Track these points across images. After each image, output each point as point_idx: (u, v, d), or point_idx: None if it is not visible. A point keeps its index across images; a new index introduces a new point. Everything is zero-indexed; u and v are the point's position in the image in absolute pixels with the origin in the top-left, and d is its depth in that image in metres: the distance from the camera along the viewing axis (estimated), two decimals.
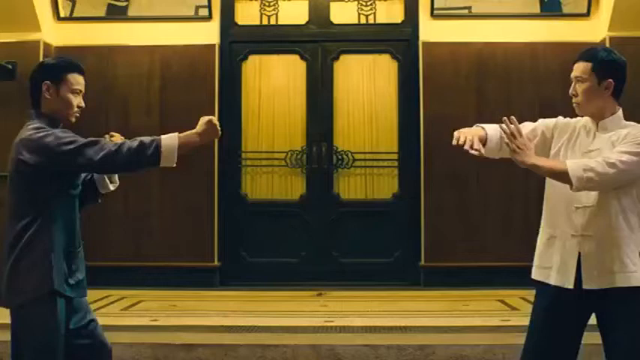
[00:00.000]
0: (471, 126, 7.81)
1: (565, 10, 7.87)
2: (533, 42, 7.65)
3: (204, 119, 3.26)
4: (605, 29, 7.60)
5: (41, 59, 7.74)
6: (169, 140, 3.13)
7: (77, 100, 3.27)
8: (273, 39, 8.15)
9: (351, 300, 7.00)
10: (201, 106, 7.39)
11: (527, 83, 7.58)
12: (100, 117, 7.65)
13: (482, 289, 7.02)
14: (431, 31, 7.87)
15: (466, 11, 7.90)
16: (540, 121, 3.35)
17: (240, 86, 8.10)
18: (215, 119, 3.28)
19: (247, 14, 8.18)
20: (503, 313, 6.14)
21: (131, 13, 8.03)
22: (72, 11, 8.05)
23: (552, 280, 3.14)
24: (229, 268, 7.85)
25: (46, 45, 7.80)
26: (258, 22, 8.18)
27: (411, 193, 7.79)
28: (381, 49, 8.12)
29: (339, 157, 7.98)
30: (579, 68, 3.16)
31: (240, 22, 8.16)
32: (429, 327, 5.63)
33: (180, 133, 3.22)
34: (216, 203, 7.77)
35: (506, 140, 3.09)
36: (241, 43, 8.13)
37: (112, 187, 3.50)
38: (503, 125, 3.09)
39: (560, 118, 3.32)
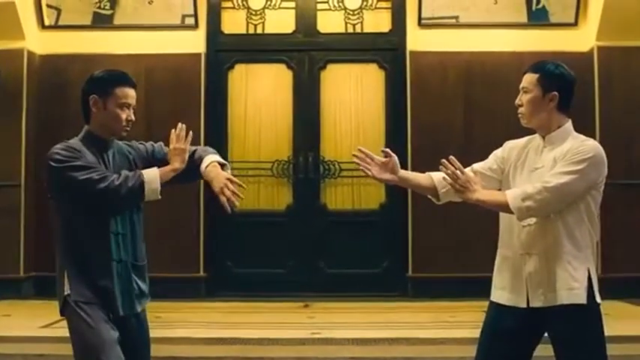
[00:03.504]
0: (458, 134, 7.86)
1: (553, 19, 7.90)
2: (521, 51, 7.62)
3: (173, 137, 3.27)
4: (593, 39, 7.65)
5: (25, 68, 7.74)
6: (151, 172, 3.15)
7: (126, 114, 3.19)
8: (260, 48, 8.15)
9: (338, 311, 6.98)
10: (187, 115, 7.17)
11: (515, 93, 7.40)
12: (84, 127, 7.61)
13: (469, 300, 6.90)
14: (418, 40, 7.89)
15: (454, 21, 7.92)
16: (492, 154, 3.37)
17: (227, 95, 8.10)
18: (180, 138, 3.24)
19: (234, 23, 8.18)
20: None
21: (117, 21, 8.00)
22: (57, 20, 8.02)
23: (505, 300, 3.13)
24: (215, 279, 7.83)
25: (30, 53, 7.81)
26: (244, 31, 8.17)
27: (398, 203, 7.78)
28: (368, 59, 8.14)
29: (326, 166, 7.98)
30: (526, 79, 3.18)
31: (226, 31, 8.17)
32: (416, 339, 5.62)
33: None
34: (202, 213, 7.75)
35: (449, 181, 3.10)
36: (227, 51, 8.13)
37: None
38: (444, 168, 3.10)
39: (509, 142, 3.33)
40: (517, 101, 3.20)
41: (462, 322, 6.31)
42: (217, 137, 7.68)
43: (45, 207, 7.45)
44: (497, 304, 3.17)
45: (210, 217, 7.80)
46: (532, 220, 3.06)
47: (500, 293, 3.17)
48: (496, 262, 3.26)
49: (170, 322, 6.39)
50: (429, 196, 3.36)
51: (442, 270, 7.58)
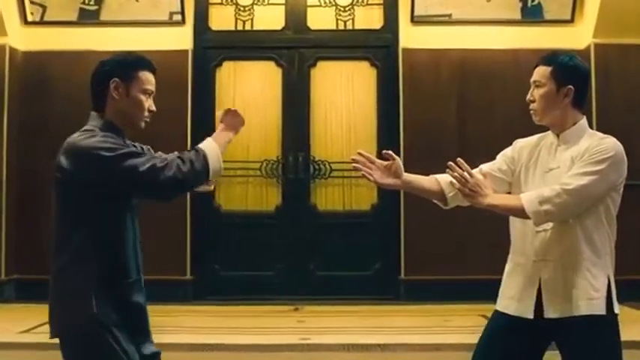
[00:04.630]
0: (452, 133, 7.81)
1: (549, 16, 7.84)
2: (516, 48, 7.59)
3: (220, 114, 3.03)
4: (590, 36, 7.58)
5: (7, 64, 7.64)
6: (211, 147, 2.84)
7: (148, 103, 2.88)
8: (249, 45, 8.07)
9: (329, 315, 6.91)
10: (174, 114, 7.29)
11: (510, 90, 7.43)
12: (69, 123, 7.51)
13: (464, 303, 6.94)
14: (411, 37, 7.83)
15: (447, 17, 7.85)
16: (499, 154, 3.19)
17: (214, 93, 8.01)
18: (232, 108, 3.03)
19: (221, 19, 8.10)
20: None
21: (102, 17, 7.90)
22: (42, 16, 7.92)
23: (512, 310, 2.97)
24: (202, 282, 7.73)
25: (12, 50, 7.69)
26: (232, 28, 8.09)
27: (390, 203, 7.70)
28: (359, 56, 8.07)
29: (316, 166, 7.90)
30: (538, 72, 3.00)
31: (214, 27, 8.08)
32: (409, 345, 5.55)
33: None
34: (189, 214, 7.65)
35: (458, 186, 2.92)
36: (215, 48, 8.05)
37: (210, 186, 3.06)
38: (451, 171, 2.91)
39: (518, 140, 3.17)
40: (528, 97, 3.02)
41: (457, 326, 6.24)
42: (204, 136, 7.55)
43: (28, 207, 7.48)
44: (503, 313, 3.01)
45: (197, 218, 7.70)
46: (548, 225, 2.90)
47: (508, 302, 3.00)
48: (506, 269, 3.10)
49: (155, 327, 6.24)
50: (436, 201, 3.18)
51: (436, 272, 7.49)
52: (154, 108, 2.92)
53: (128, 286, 2.82)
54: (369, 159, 3.12)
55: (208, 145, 2.86)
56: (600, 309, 2.85)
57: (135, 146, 2.90)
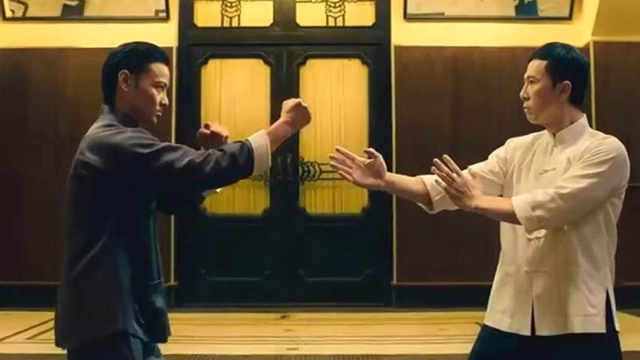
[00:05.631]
0: (446, 133, 7.74)
1: (546, 13, 7.75)
2: (513, 46, 7.47)
3: (289, 104, 2.83)
4: (589, 33, 7.47)
5: None
6: (260, 141, 2.69)
7: (160, 96, 2.75)
8: (235, 42, 7.97)
9: (318, 323, 6.83)
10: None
11: (507, 89, 7.27)
12: (49, 124, 7.42)
13: (459, 310, 6.83)
14: (404, 34, 7.73)
15: (441, 14, 7.77)
16: (491, 154, 2.99)
17: (199, 92, 7.90)
18: (303, 102, 2.82)
19: (207, 15, 7.99)
20: None
21: (87, 14, 7.79)
22: (24, 13, 7.80)
23: (505, 326, 2.77)
24: (186, 288, 7.61)
25: None
26: (219, 24, 7.98)
27: (382, 207, 7.61)
28: (350, 54, 7.97)
29: (305, 168, 7.80)
30: (532, 67, 2.79)
31: (199, 24, 7.97)
32: (402, 355, 5.45)
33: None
34: (173, 218, 7.46)
35: (443, 185, 2.72)
36: (201, 46, 7.94)
37: (218, 188, 2.93)
38: (437, 169, 2.71)
39: (512, 139, 2.98)
40: (522, 93, 2.82)
41: (452, 335, 6.12)
42: (189, 137, 7.44)
43: (5, 210, 7.35)
44: (493, 329, 2.82)
45: (181, 221, 7.56)
46: (540, 233, 2.69)
47: (499, 318, 2.81)
48: (495, 279, 2.91)
49: None
50: (420, 204, 2.98)
51: (429, 278, 7.40)
52: (166, 101, 2.80)
53: (151, 288, 2.70)
54: (349, 156, 2.91)
55: (258, 139, 2.71)
56: (598, 327, 2.64)
57: None
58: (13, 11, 7.80)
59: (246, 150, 2.64)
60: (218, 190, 2.93)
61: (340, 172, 2.90)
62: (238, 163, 2.61)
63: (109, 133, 2.60)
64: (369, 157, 2.91)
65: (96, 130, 2.65)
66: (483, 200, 2.73)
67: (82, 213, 2.63)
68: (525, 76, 2.84)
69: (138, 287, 2.63)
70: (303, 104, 2.81)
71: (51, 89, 7.45)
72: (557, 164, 2.75)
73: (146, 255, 2.70)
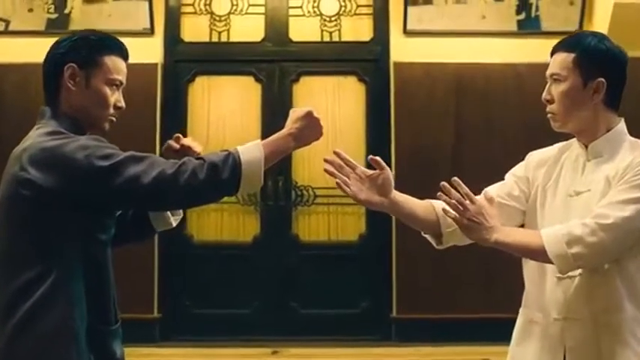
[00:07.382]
0: (448, 153, 7.65)
1: (552, 27, 7.61)
2: (517, 63, 7.45)
3: (298, 112, 2.46)
4: None
5: None
6: (253, 154, 2.31)
7: (115, 97, 2.41)
8: (224, 58, 7.89)
9: (312, 358, 6.82)
10: (142, 133, 7.01)
11: (513, 107, 7.35)
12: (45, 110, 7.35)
13: (464, 345, 6.75)
14: (403, 50, 7.64)
15: (441, 29, 7.68)
16: (508, 174, 2.57)
17: (186, 111, 7.78)
18: (315, 112, 2.44)
19: (195, 30, 7.90)
20: None
21: (71, 27, 7.66)
22: (7, 28, 7.74)
23: None
24: (171, 321, 7.48)
25: None
26: (207, 39, 7.90)
27: (380, 234, 7.51)
28: (346, 70, 7.89)
29: (299, 192, 7.70)
30: (557, 62, 2.38)
31: (186, 39, 7.88)
32: None
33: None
34: (157, 245, 7.38)
35: (453, 214, 2.31)
36: (188, 62, 7.86)
37: (174, 222, 2.59)
38: (444, 195, 2.31)
39: (533, 152, 2.56)
40: (544, 95, 2.41)
41: None
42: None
43: None
44: None
45: (165, 248, 7.44)
46: (576, 271, 2.26)
47: None
48: (516, 327, 2.49)
49: None
50: (427, 236, 2.57)
51: (432, 310, 7.27)
52: (122, 104, 2.41)
53: (111, 334, 2.34)
54: (349, 163, 2.50)
55: (250, 151, 2.30)
56: None
57: None
58: None
59: (231, 161, 2.25)
60: (174, 223, 2.55)
61: (337, 181, 2.49)
62: (220, 177, 2.23)
63: (56, 143, 2.23)
64: (374, 168, 2.50)
65: (39, 139, 2.26)
66: (504, 233, 2.34)
67: (22, 243, 2.22)
68: (548, 73, 2.44)
69: (95, 333, 2.27)
70: (315, 115, 2.44)
71: (26, 106, 7.30)
72: (593, 184, 2.34)
73: (104, 293, 2.33)
